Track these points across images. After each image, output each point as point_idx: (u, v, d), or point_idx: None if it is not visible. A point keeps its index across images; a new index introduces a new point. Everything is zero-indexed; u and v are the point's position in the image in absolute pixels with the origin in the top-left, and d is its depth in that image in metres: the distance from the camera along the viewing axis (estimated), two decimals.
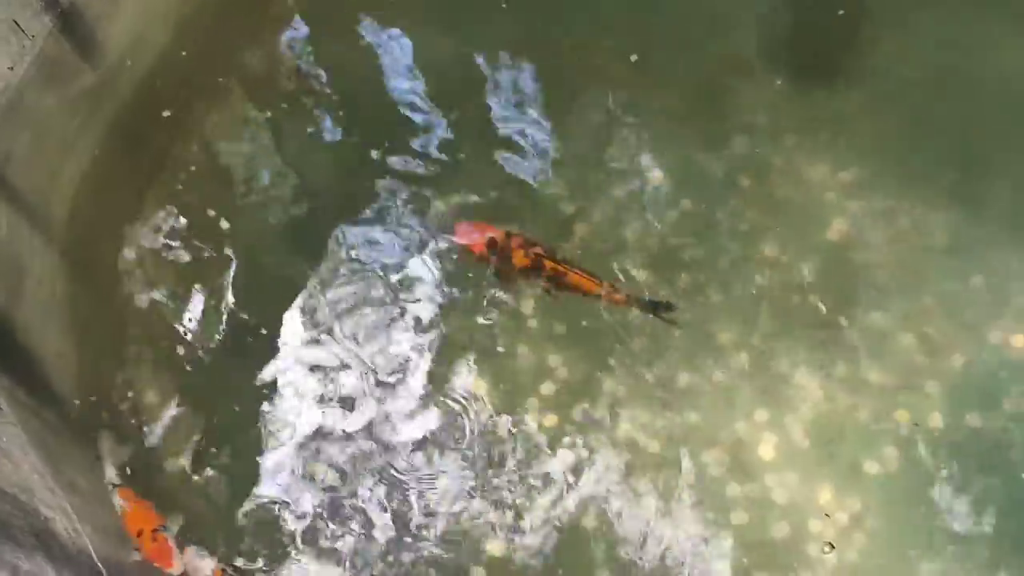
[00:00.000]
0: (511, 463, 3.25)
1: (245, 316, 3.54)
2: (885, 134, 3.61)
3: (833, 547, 3.01)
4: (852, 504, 3.06)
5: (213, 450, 3.33)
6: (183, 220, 3.72)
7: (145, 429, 3.40)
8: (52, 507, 2.69)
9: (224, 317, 3.55)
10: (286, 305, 3.53)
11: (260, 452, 3.32)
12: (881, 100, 3.67)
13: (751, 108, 3.70)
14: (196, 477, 3.30)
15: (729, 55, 3.77)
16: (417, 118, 3.86)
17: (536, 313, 3.47)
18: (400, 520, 3.18)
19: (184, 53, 3.92)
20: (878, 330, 3.29)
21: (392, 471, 3.24)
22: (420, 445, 3.28)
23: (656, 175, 3.63)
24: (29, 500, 2.58)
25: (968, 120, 3.57)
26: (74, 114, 3.67)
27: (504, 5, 3.96)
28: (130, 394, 3.43)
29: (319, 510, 3.21)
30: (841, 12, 3.78)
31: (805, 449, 3.15)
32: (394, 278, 3.55)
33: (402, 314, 3.49)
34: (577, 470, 3.20)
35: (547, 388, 3.36)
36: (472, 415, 3.31)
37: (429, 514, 3.18)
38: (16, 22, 3.45)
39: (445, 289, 3.52)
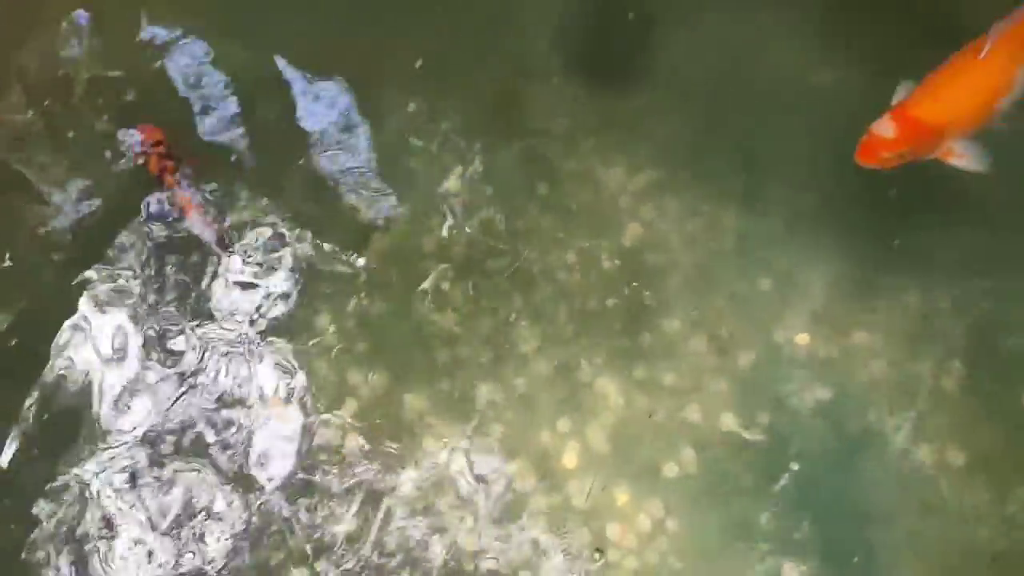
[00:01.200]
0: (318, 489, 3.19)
1: None
2: (676, 136, 3.69)
3: (602, 552, 3.08)
4: (652, 507, 3.15)
5: None
6: None
7: None
8: None
9: None
10: None
11: None
12: (671, 102, 3.75)
13: (547, 113, 3.71)
14: None
15: (522, 60, 3.77)
16: (214, 123, 3.71)
17: (336, 330, 3.41)
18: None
19: None
20: (672, 333, 3.39)
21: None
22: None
23: (454, 183, 3.61)
24: None
25: (747, 121, 3.68)
26: None
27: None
28: None
29: None
30: (631, 15, 3.83)
31: (606, 455, 3.22)
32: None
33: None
34: (376, 495, 3.17)
35: (350, 406, 3.30)
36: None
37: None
38: None
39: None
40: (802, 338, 3.35)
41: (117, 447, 3.28)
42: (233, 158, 3.67)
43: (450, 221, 3.55)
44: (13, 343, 3.44)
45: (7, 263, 3.52)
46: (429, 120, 3.69)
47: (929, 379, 3.24)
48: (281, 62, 3.79)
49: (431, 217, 3.56)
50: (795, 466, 3.19)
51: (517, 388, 3.32)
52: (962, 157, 3.03)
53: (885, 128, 2.98)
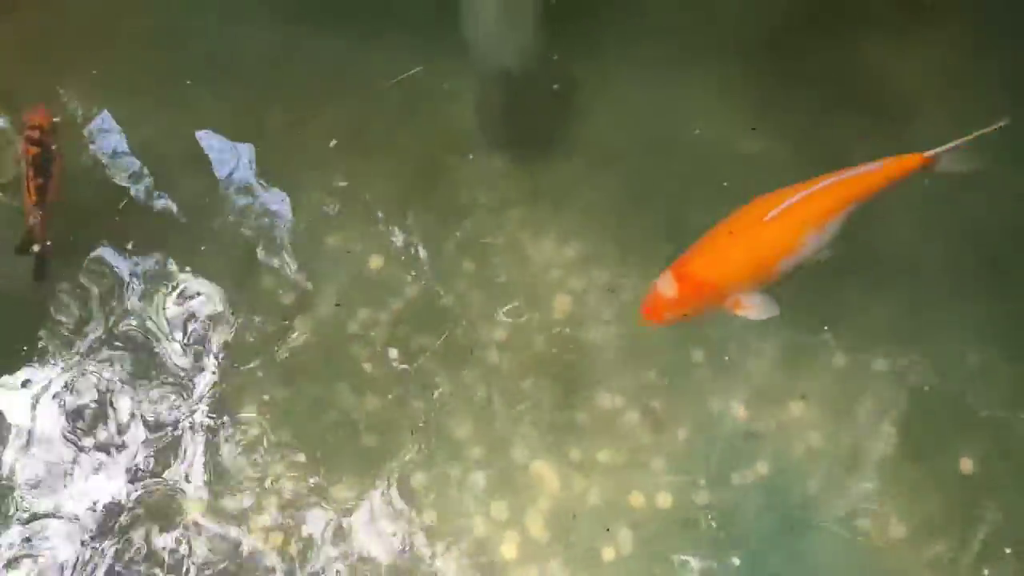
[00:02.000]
0: None
1: None
2: (603, 205, 3.65)
3: None
4: None
5: None
6: None
7: None
8: None
9: None
10: None
11: None
12: (597, 170, 3.72)
13: (472, 186, 3.65)
14: None
15: (445, 133, 3.71)
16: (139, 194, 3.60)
17: (261, 419, 3.27)
18: None
19: None
20: (606, 409, 3.31)
21: None
22: None
23: (377, 261, 3.51)
24: None
25: (673, 188, 3.66)
26: None
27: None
28: None
29: None
30: (556, 86, 3.80)
31: (545, 542, 3.11)
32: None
33: None
34: None
35: (270, 502, 3.15)
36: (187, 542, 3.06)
37: None
38: None
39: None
40: (739, 410, 3.29)
41: None
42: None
43: (374, 300, 3.44)
44: None
45: None
46: (351, 197, 3.59)
47: (866, 447, 3.20)
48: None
49: (354, 296, 3.45)
50: (738, 544, 3.11)
51: (450, 474, 3.20)
52: (750, 309, 2.99)
53: (667, 287, 2.92)
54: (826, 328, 3.35)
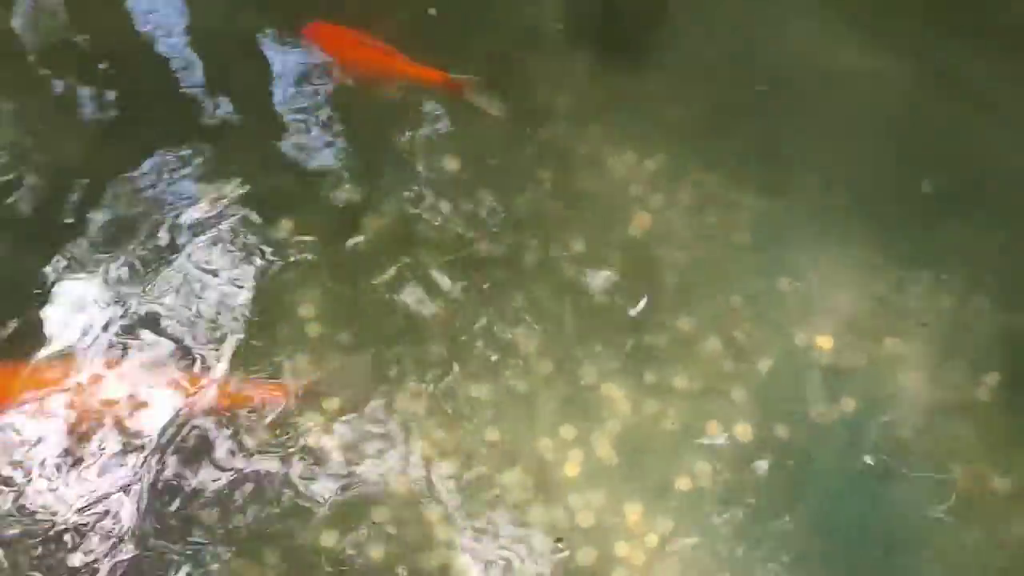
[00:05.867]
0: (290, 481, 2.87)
1: None
2: (691, 121, 3.44)
3: (561, 541, 2.80)
4: (662, 524, 2.87)
5: None
6: None
7: None
8: None
9: None
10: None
11: None
12: (686, 84, 3.50)
13: (552, 89, 3.43)
14: None
15: (524, 27, 3.48)
16: (188, 94, 3.44)
17: (319, 316, 3.09)
18: None
19: None
20: (684, 333, 3.11)
21: None
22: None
23: (451, 163, 3.30)
24: None
25: (768, 107, 3.44)
26: None
27: None
28: None
29: None
30: None
31: (613, 466, 2.93)
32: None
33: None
34: (362, 505, 2.85)
35: (330, 403, 2.98)
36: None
37: None
38: None
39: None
40: (824, 342, 3.08)
41: None
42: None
43: (446, 205, 3.24)
44: None
45: None
46: (420, 91, 3.38)
47: (966, 393, 2.99)
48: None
49: (424, 200, 3.25)
50: (816, 484, 2.92)
51: (515, 390, 3.01)
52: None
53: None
54: (931, 259, 3.11)
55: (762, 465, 2.93)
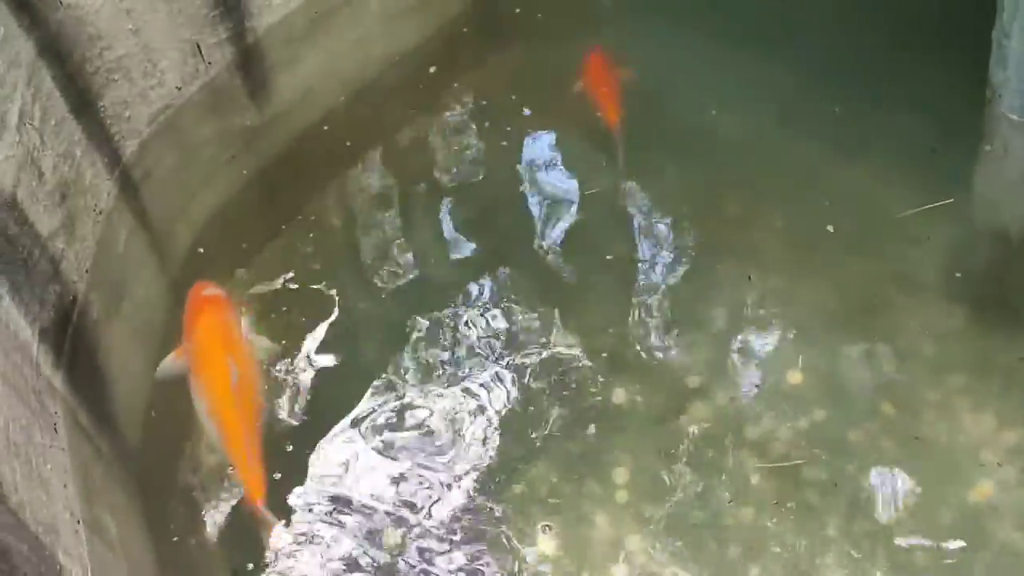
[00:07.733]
0: None
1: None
2: None
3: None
4: None
5: None
6: (294, 276, 3.61)
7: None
8: (71, 555, 2.49)
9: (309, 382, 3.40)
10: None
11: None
12: None
13: (915, 333, 3.37)
14: None
15: (901, 270, 3.47)
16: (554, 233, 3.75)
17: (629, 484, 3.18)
18: None
19: (352, 115, 3.87)
20: None
21: None
22: None
23: (795, 375, 3.32)
24: (51, 544, 2.39)
25: None
26: (225, 148, 3.60)
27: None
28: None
29: None
30: None
31: None
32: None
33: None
34: None
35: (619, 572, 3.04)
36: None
37: None
38: (199, 45, 3.42)
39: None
40: None
41: None
42: None
43: (779, 413, 3.25)
44: None
45: None
46: (777, 299, 3.46)
47: None
48: None
49: (757, 402, 3.28)
50: None
51: None
52: None
53: None
54: None
55: None
